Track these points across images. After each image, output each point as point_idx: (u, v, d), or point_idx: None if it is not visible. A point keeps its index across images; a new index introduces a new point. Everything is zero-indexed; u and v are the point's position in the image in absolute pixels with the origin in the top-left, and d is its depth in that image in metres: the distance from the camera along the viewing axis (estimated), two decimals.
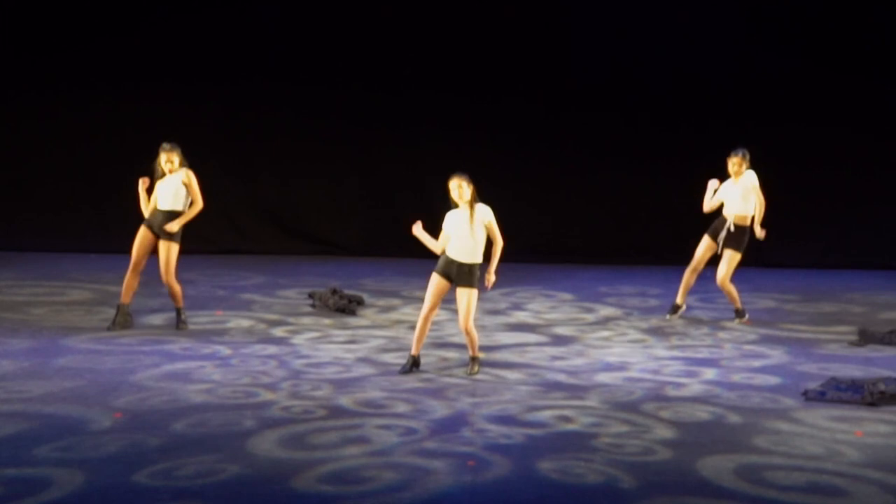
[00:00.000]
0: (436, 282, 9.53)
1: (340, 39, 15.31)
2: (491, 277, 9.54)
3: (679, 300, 11.82)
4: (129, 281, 10.90)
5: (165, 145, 10.84)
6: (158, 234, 10.79)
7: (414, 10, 15.17)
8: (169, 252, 10.78)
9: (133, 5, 15.26)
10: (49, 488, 6.95)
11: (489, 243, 9.53)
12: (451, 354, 10.21)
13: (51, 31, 15.21)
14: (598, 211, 15.39)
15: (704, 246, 11.60)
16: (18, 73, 15.25)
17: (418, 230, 9.59)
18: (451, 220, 9.49)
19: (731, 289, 11.61)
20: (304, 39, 15.30)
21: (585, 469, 7.41)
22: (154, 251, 10.88)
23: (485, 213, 9.45)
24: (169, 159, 10.78)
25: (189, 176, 10.83)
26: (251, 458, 7.52)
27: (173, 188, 10.79)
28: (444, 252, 9.53)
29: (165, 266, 10.78)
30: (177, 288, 10.92)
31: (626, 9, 15.12)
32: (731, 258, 11.48)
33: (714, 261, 11.70)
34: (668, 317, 11.80)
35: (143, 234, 10.83)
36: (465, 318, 9.46)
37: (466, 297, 9.44)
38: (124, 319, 10.93)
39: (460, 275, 9.45)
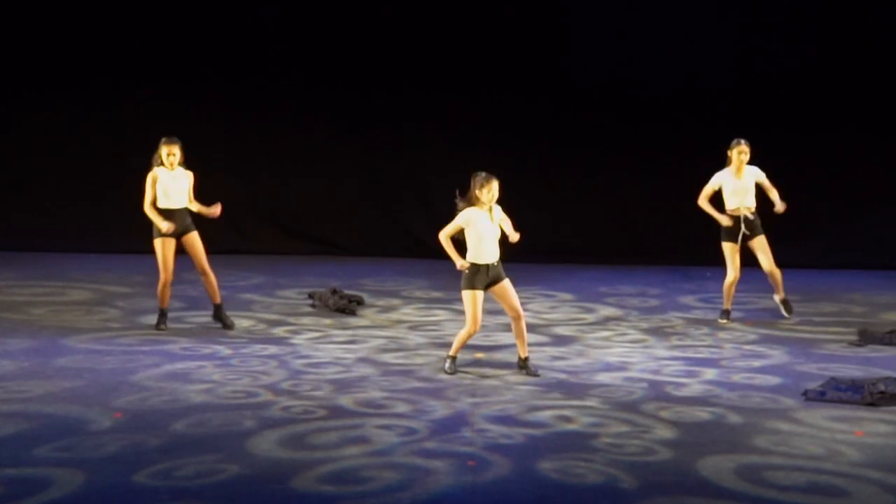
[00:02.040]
0: (477, 298, 9.39)
1: (340, 39, 15.31)
2: (515, 234, 9.45)
3: (727, 305, 11.67)
4: (165, 290, 10.93)
5: (166, 139, 10.83)
6: (182, 233, 10.83)
7: (414, 10, 15.17)
8: (198, 241, 10.86)
9: (133, 5, 15.27)
10: (49, 488, 6.95)
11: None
12: None
13: (50, 30, 15.22)
14: (598, 211, 15.38)
15: (732, 251, 11.48)
16: (18, 73, 15.25)
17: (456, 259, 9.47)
18: (474, 219, 9.36)
19: (778, 272, 11.60)
20: (304, 39, 15.30)
21: (585, 469, 7.41)
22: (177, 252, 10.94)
23: (500, 211, 9.50)
24: (171, 152, 10.78)
25: (191, 178, 10.94)
26: (251, 458, 7.52)
27: (184, 187, 10.83)
28: (471, 264, 9.36)
29: (201, 254, 10.85)
30: (213, 276, 10.99)
31: (626, 9, 15.11)
32: (765, 244, 11.47)
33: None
34: (720, 321, 11.62)
35: (167, 244, 10.77)
36: (518, 304, 9.50)
37: (511, 287, 9.47)
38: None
39: (493, 273, 9.43)
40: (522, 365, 9.69)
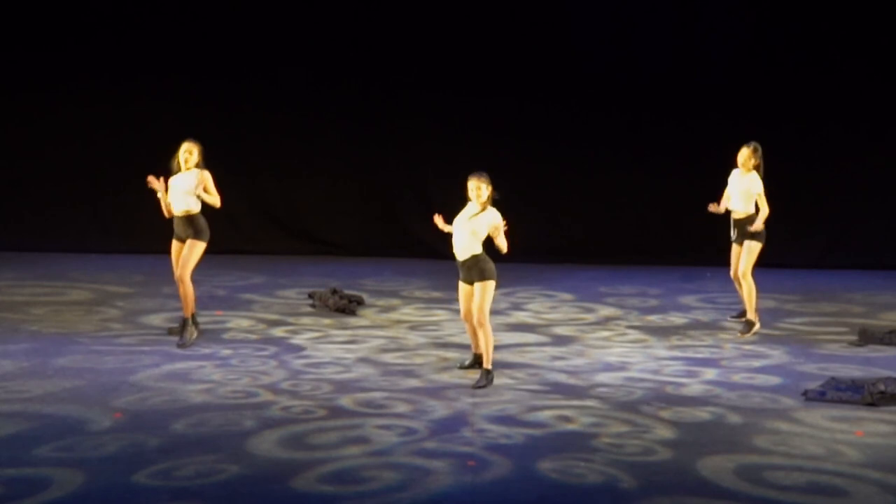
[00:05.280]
0: (460, 289, 9.42)
1: (340, 39, 15.30)
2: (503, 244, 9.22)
3: (751, 315, 11.12)
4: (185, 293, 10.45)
5: (189, 140, 10.45)
6: (183, 238, 10.40)
7: (414, 10, 15.16)
8: (192, 250, 10.33)
9: (133, 4, 15.26)
10: (49, 488, 6.96)
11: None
12: (451, 354, 10.20)
13: (50, 29, 15.20)
14: (598, 211, 15.37)
15: (732, 250, 11.23)
16: (17, 72, 15.24)
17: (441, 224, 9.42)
18: (461, 214, 9.34)
19: (751, 284, 11.02)
20: (304, 39, 15.29)
21: (585, 469, 7.41)
22: None
23: (493, 216, 9.19)
24: (188, 150, 10.33)
25: (203, 177, 10.34)
26: (251, 458, 7.53)
27: (184, 189, 10.30)
28: None
29: (185, 262, 10.32)
30: (189, 289, 10.40)
31: (626, 8, 15.11)
32: (750, 248, 11.01)
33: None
34: (739, 335, 11.03)
35: (175, 246, 10.46)
36: (478, 311, 9.21)
37: (478, 291, 9.22)
38: (196, 329, 10.58)
39: (466, 272, 9.30)
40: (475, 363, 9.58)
